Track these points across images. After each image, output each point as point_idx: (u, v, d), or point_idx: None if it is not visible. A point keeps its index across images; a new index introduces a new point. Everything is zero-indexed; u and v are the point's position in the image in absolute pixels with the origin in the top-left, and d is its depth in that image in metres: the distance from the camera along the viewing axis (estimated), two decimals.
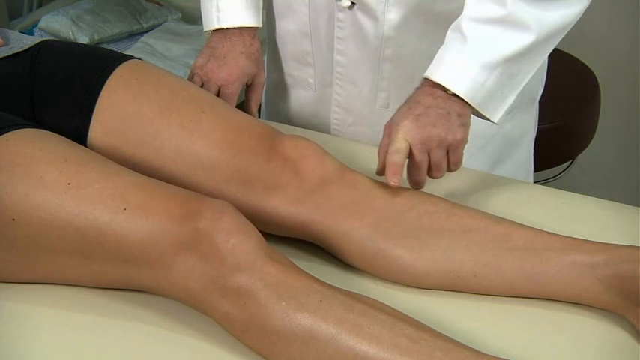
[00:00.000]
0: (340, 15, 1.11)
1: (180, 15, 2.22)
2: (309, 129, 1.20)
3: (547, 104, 1.77)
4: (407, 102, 0.95)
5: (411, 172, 0.94)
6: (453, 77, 0.93)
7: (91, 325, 0.83)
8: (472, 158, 1.18)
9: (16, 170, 0.82)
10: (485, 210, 0.92)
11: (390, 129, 0.94)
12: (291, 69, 1.23)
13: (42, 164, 0.83)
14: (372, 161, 0.97)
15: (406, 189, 0.94)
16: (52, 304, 0.85)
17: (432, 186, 0.97)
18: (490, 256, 0.87)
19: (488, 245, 0.87)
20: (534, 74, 1.19)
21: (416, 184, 0.95)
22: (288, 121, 1.28)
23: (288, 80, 1.25)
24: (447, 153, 0.93)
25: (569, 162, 1.88)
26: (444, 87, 0.93)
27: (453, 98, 0.93)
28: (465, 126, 0.94)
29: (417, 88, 0.96)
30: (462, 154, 0.94)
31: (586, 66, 1.87)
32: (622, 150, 2.27)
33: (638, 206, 1.01)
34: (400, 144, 0.91)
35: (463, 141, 0.93)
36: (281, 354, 0.76)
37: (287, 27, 1.20)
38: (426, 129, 0.91)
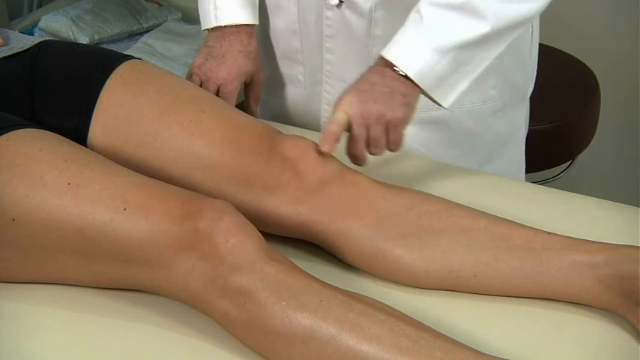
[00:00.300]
0: (329, 13, 1.11)
1: (180, 15, 2.22)
2: (300, 126, 1.21)
3: (547, 104, 1.77)
4: (357, 79, 0.97)
5: (349, 145, 0.96)
6: (404, 57, 0.94)
7: (91, 325, 0.83)
8: (463, 156, 1.19)
9: (16, 170, 0.82)
10: (485, 210, 0.92)
11: (336, 102, 0.96)
12: (282, 66, 1.24)
13: (42, 164, 0.83)
14: (372, 161, 0.97)
15: (406, 189, 0.94)
16: (52, 304, 0.85)
17: (431, 186, 0.97)
18: (490, 256, 0.87)
19: (488, 245, 0.87)
20: (523, 72, 1.20)
21: (353, 158, 0.96)
22: (279, 118, 1.28)
23: (279, 78, 1.25)
24: (388, 131, 0.94)
25: (569, 162, 1.88)
26: (395, 67, 0.94)
27: (401, 79, 0.94)
28: (408, 106, 0.95)
29: (370, 67, 0.98)
30: (401, 134, 0.96)
31: (586, 66, 1.87)
32: (622, 150, 2.27)
33: (638, 206, 1.01)
34: (339, 115, 0.94)
35: (403, 120, 0.94)
36: (281, 354, 0.76)
37: (277, 25, 1.20)
38: (367, 104, 0.93)
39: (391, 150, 0.96)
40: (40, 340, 0.81)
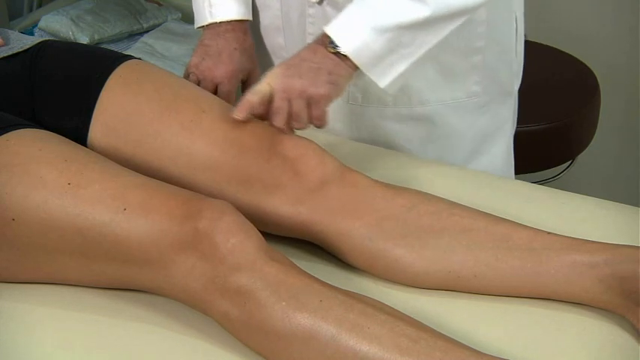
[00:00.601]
0: (311, 10, 1.12)
1: (180, 15, 2.22)
2: None
3: (547, 104, 1.77)
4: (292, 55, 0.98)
5: (271, 117, 0.96)
6: (343, 33, 0.95)
7: (91, 325, 0.83)
8: (447, 152, 1.19)
9: (16, 170, 0.82)
10: (485, 210, 0.92)
11: (263, 74, 0.97)
12: (268, 63, 1.24)
13: (42, 164, 0.83)
14: (372, 161, 0.97)
15: (406, 189, 0.94)
16: (52, 304, 0.85)
17: (431, 186, 0.97)
18: (490, 256, 0.87)
19: (488, 245, 0.87)
20: (508, 68, 1.20)
21: (277, 130, 0.97)
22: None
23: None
24: (311, 107, 0.95)
25: (569, 162, 1.88)
26: (330, 45, 0.95)
27: (332, 57, 0.95)
28: (333, 84, 0.95)
29: (308, 44, 0.99)
30: (324, 111, 0.96)
31: (586, 66, 1.87)
32: (622, 150, 2.27)
33: (638, 206, 1.01)
34: (261, 87, 0.95)
35: (325, 96, 0.95)
36: (281, 354, 0.76)
37: (262, 21, 1.21)
38: (291, 78, 0.94)
39: (315, 126, 0.97)
40: (40, 340, 0.81)
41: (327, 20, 1.11)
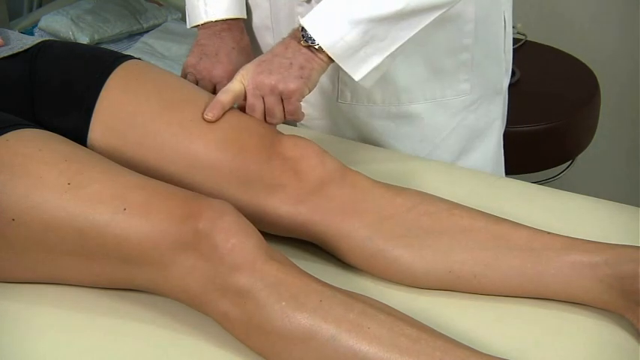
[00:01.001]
0: (300, 9, 1.12)
1: (180, 15, 2.23)
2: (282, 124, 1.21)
3: (547, 104, 1.77)
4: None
5: (247, 113, 0.98)
6: (317, 25, 0.96)
7: (91, 325, 0.83)
8: (435, 149, 1.19)
9: (16, 170, 0.82)
10: (484, 210, 0.91)
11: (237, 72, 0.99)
12: None
13: (42, 164, 0.82)
14: (372, 161, 0.97)
15: (406, 189, 0.94)
16: (52, 304, 0.85)
17: (429, 186, 0.97)
18: (490, 256, 0.87)
19: (488, 245, 0.87)
20: (497, 66, 1.20)
21: None
22: None
23: None
24: (283, 102, 0.97)
25: (569, 162, 1.88)
26: (304, 37, 0.96)
27: (304, 50, 0.96)
28: (304, 78, 0.96)
29: (283, 38, 1.00)
30: (297, 105, 0.98)
31: (586, 66, 1.88)
32: (622, 150, 2.27)
33: (638, 206, 1.01)
34: (233, 85, 0.97)
35: (296, 91, 0.96)
36: (281, 354, 0.76)
37: (253, 21, 1.21)
38: (262, 75, 0.96)
39: (289, 119, 0.98)
40: (40, 340, 0.81)
41: None
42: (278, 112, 0.97)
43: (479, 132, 1.22)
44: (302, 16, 1.10)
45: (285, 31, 1.16)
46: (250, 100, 0.97)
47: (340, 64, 0.97)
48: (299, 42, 0.97)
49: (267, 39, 1.20)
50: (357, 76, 0.99)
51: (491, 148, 1.26)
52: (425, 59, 1.12)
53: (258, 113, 0.97)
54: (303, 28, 0.96)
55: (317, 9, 0.98)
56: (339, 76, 1.15)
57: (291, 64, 0.96)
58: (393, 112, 1.16)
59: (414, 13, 0.96)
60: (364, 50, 0.97)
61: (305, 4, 1.11)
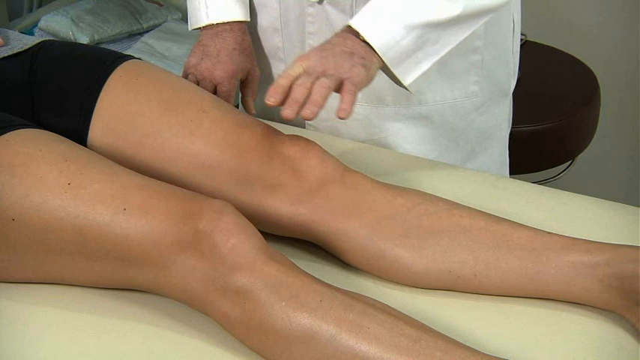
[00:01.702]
0: (310, 10, 1.12)
1: (180, 15, 2.23)
2: (284, 123, 1.20)
3: (547, 104, 1.77)
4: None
5: (289, 94, 0.87)
6: (372, 28, 0.94)
7: (91, 325, 0.83)
8: (446, 152, 1.19)
9: (16, 170, 0.82)
10: (485, 210, 0.91)
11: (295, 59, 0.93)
12: (264, 64, 1.24)
13: (42, 164, 0.82)
14: (372, 161, 0.97)
15: (406, 189, 0.94)
16: (52, 304, 0.85)
17: (430, 186, 0.97)
18: (490, 255, 0.87)
19: (488, 245, 0.87)
20: (505, 68, 1.20)
21: (290, 103, 0.86)
22: (264, 116, 1.28)
23: (262, 76, 1.25)
24: (342, 87, 0.89)
25: (569, 162, 1.88)
26: (360, 36, 0.93)
27: (362, 44, 0.93)
28: (365, 67, 0.91)
29: (335, 33, 0.96)
30: (355, 96, 0.88)
31: (586, 66, 1.87)
32: (622, 150, 2.27)
33: (638, 206, 1.01)
34: (292, 69, 0.89)
35: (361, 76, 0.90)
36: (281, 354, 0.76)
37: (260, 22, 1.20)
38: (326, 58, 0.90)
39: (338, 116, 0.87)
40: (40, 340, 0.81)
41: (327, 19, 1.11)
42: (325, 93, 0.86)
43: (487, 134, 1.22)
44: (312, 17, 1.10)
45: (294, 33, 1.16)
46: (303, 78, 0.87)
47: (392, 69, 0.96)
48: (357, 36, 0.94)
49: (275, 41, 1.20)
50: (406, 81, 0.98)
51: (497, 150, 1.26)
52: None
53: (302, 91, 0.86)
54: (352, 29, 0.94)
55: (369, 11, 0.95)
56: None
57: (352, 52, 0.92)
58: (403, 113, 1.15)
59: (467, 17, 0.96)
60: (416, 55, 0.96)
61: (316, 4, 1.10)
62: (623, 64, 2.14)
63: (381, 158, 1.11)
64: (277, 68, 1.22)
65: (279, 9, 1.16)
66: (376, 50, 0.93)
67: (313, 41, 1.14)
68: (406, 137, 1.18)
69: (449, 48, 0.98)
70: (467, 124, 1.19)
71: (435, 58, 0.98)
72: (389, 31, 0.94)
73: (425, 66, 0.98)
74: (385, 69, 0.97)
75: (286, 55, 1.20)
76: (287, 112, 0.85)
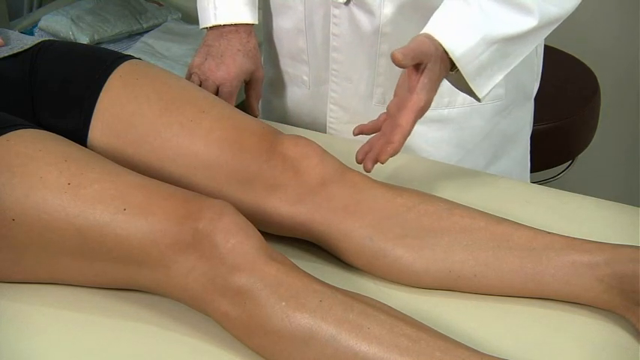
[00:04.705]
0: (336, 11, 1.11)
1: (180, 15, 2.23)
2: (304, 127, 1.20)
3: (547, 104, 1.77)
4: (428, 68, 0.90)
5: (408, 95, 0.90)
6: (456, 41, 0.92)
7: (91, 325, 0.83)
8: (469, 155, 1.19)
9: (16, 170, 0.82)
10: (485, 210, 0.91)
11: (411, 99, 0.90)
12: (286, 66, 1.24)
13: (42, 164, 0.82)
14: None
15: (406, 189, 0.94)
16: (52, 304, 0.85)
17: (431, 186, 0.96)
18: (490, 255, 0.87)
19: (488, 245, 0.87)
20: (529, 71, 1.20)
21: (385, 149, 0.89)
22: (283, 118, 1.28)
23: (283, 77, 1.25)
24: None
25: (569, 162, 1.88)
26: (438, 44, 0.91)
27: (446, 61, 0.93)
28: (436, 90, 0.93)
29: (431, 47, 0.90)
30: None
31: (586, 66, 1.87)
32: (622, 150, 2.27)
33: (638, 206, 1.01)
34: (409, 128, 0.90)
35: (428, 105, 0.92)
36: (281, 354, 0.76)
37: (282, 24, 1.20)
38: (431, 93, 0.91)
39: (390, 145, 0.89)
40: (40, 340, 0.81)
41: (353, 21, 1.11)
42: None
43: (510, 137, 1.22)
44: (337, 18, 1.09)
45: (318, 35, 1.16)
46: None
47: (470, 83, 0.95)
48: (447, 57, 0.92)
49: (299, 43, 1.19)
50: (481, 94, 0.97)
51: (520, 153, 1.26)
52: None
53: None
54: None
55: (449, 21, 0.93)
56: (374, 78, 1.14)
57: (438, 80, 0.92)
58: (428, 116, 1.14)
59: (541, 29, 0.96)
60: (491, 68, 0.96)
61: (342, 5, 1.10)
62: (623, 64, 2.14)
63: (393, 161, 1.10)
64: (300, 70, 1.22)
65: (304, 10, 1.15)
66: (455, 61, 0.93)
67: (337, 43, 1.14)
68: (430, 140, 1.17)
69: (519, 59, 0.98)
70: (491, 127, 1.18)
71: (507, 70, 0.98)
72: (471, 45, 0.93)
73: (497, 78, 0.97)
74: (453, 76, 0.96)
75: (310, 57, 1.19)
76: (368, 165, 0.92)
